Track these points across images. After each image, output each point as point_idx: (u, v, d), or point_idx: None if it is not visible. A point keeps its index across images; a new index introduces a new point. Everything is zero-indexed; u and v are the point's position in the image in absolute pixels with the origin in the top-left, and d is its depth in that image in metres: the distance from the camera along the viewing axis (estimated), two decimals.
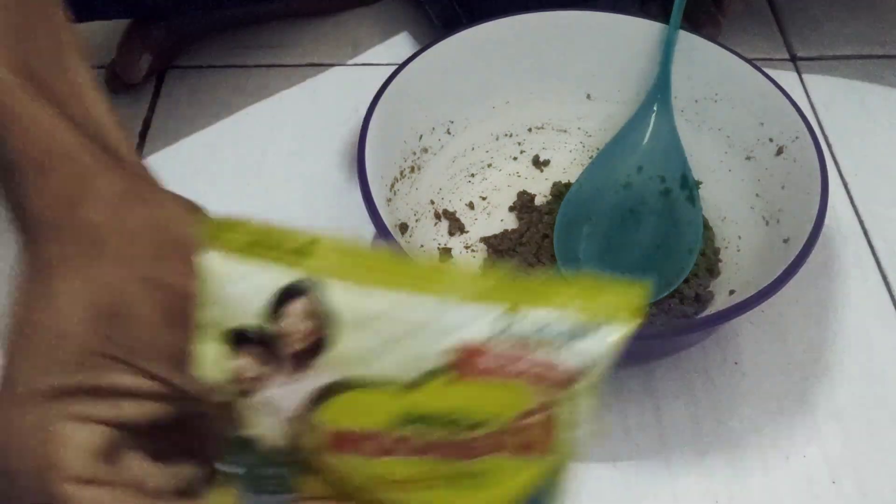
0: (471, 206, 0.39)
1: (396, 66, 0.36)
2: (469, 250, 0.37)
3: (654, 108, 0.38)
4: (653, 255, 0.36)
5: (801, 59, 0.48)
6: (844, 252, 0.38)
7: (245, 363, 0.17)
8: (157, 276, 0.19)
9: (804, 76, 0.47)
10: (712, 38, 0.38)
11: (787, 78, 0.46)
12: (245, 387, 0.17)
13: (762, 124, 0.36)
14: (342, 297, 0.17)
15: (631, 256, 0.36)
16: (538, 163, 0.41)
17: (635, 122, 0.39)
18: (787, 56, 0.48)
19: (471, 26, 0.38)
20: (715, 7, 0.44)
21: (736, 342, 0.35)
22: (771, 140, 0.36)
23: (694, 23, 0.38)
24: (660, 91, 0.38)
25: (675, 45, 0.38)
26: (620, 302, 0.17)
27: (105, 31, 0.49)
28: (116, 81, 0.44)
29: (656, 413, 0.33)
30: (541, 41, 0.39)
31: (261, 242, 0.18)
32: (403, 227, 0.35)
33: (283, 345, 0.17)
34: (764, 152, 0.36)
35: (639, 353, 0.31)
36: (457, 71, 0.38)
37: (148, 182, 0.22)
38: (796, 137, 0.34)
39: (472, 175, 0.40)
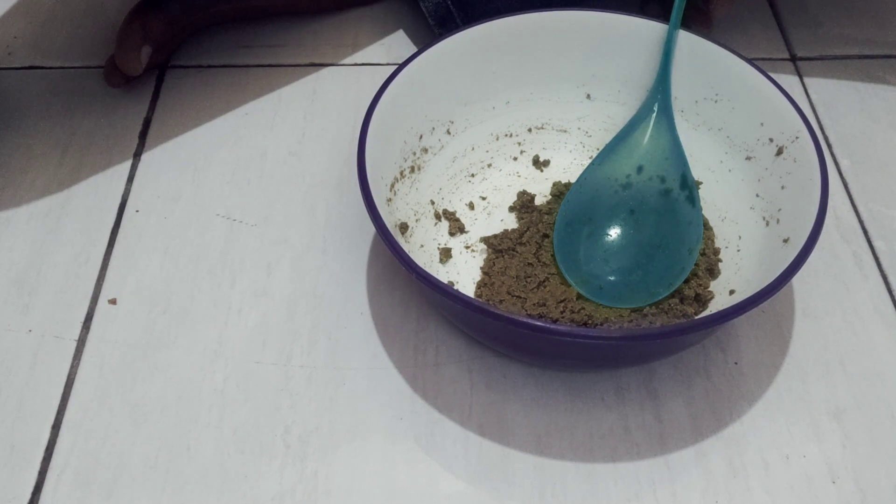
0: (471, 206, 0.39)
1: (396, 66, 0.36)
2: (469, 250, 0.37)
3: (655, 109, 0.38)
4: (653, 256, 0.36)
5: (801, 59, 0.48)
6: (844, 252, 0.38)
7: None
8: None
9: (804, 76, 0.47)
10: (704, 37, 0.38)
11: (787, 78, 0.46)
12: None
13: (762, 124, 0.36)
14: None
15: (631, 256, 0.36)
16: (538, 163, 0.41)
17: (635, 122, 0.39)
18: (787, 56, 0.48)
19: (470, 26, 0.38)
20: (704, 5, 0.44)
21: (736, 342, 0.35)
22: (771, 140, 0.36)
23: (684, 21, 0.38)
24: (660, 91, 0.38)
25: (675, 45, 0.38)
26: None
27: (103, 29, 0.49)
28: (116, 75, 0.44)
29: (656, 413, 0.33)
30: (541, 41, 0.39)
31: None
32: (403, 227, 0.35)
33: None
34: (764, 152, 0.36)
35: (639, 353, 0.31)
36: (457, 71, 0.38)
37: None
38: (796, 137, 0.34)
39: (472, 175, 0.40)
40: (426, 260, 0.36)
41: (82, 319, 0.36)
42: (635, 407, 0.33)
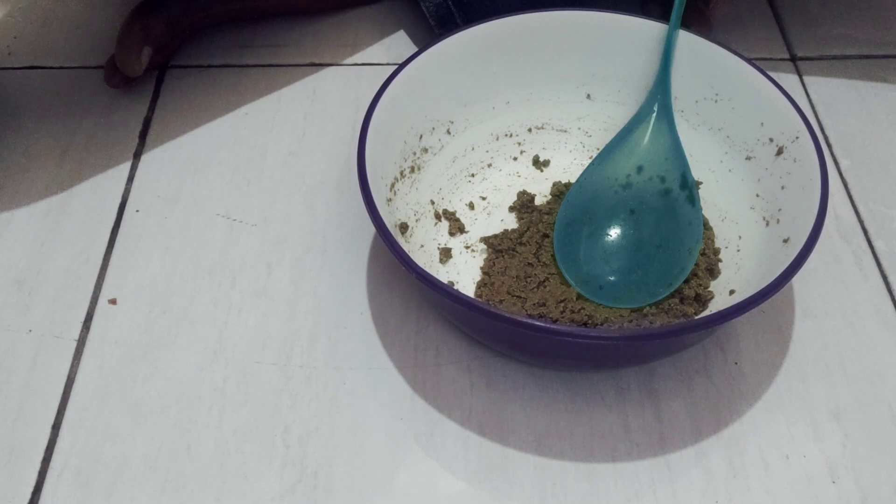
0: (471, 206, 0.39)
1: (396, 66, 0.36)
2: (469, 250, 0.37)
3: (655, 109, 0.38)
4: (653, 256, 0.36)
5: (801, 59, 0.48)
6: (844, 252, 0.38)
7: None
8: None
9: (804, 76, 0.47)
10: (704, 37, 0.38)
11: (787, 78, 0.46)
12: None
13: (762, 124, 0.36)
14: None
15: (631, 256, 0.36)
16: (538, 163, 0.41)
17: (635, 122, 0.39)
18: (787, 56, 0.48)
19: (471, 26, 0.38)
20: (703, 5, 0.44)
21: (736, 342, 0.35)
22: (771, 140, 0.36)
23: (683, 22, 0.38)
24: (660, 91, 0.38)
25: (675, 45, 0.38)
26: None
27: (104, 29, 0.49)
28: (116, 75, 0.44)
29: (656, 413, 0.33)
30: (541, 41, 0.39)
31: None
32: (403, 227, 0.35)
33: None
34: (764, 152, 0.36)
35: (639, 353, 0.31)
36: (457, 71, 0.38)
37: None
38: (796, 137, 0.34)
39: (473, 175, 0.40)
40: (426, 260, 0.36)
41: (82, 319, 0.36)
42: (635, 407, 0.33)
